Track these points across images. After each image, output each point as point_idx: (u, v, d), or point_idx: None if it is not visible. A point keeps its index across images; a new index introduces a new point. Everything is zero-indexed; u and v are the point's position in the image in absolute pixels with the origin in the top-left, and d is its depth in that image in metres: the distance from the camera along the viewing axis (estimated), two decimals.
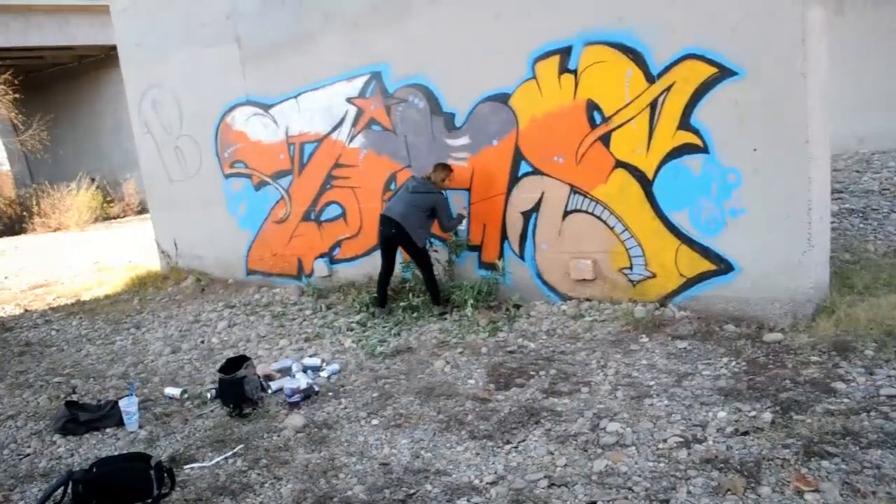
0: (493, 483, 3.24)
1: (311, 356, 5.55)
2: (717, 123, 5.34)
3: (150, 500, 3.38)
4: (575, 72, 5.91)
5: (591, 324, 5.65)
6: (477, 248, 6.84)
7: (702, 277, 5.62)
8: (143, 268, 10.06)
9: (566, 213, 6.21)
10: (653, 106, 5.57)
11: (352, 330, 6.25)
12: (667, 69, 5.45)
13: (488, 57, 6.32)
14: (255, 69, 7.98)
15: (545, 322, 5.86)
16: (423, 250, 6.56)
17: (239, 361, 4.73)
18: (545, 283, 6.47)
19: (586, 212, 6.09)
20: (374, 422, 4.15)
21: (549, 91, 6.07)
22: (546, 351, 5.15)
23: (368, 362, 5.28)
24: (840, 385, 3.83)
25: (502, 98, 6.33)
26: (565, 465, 3.34)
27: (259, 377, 4.77)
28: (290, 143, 7.87)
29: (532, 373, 4.68)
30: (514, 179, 6.44)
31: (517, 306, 6.25)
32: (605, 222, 6.01)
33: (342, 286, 7.60)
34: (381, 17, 6.87)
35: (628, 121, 5.72)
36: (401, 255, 6.87)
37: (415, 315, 6.42)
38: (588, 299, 6.24)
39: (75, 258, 12.53)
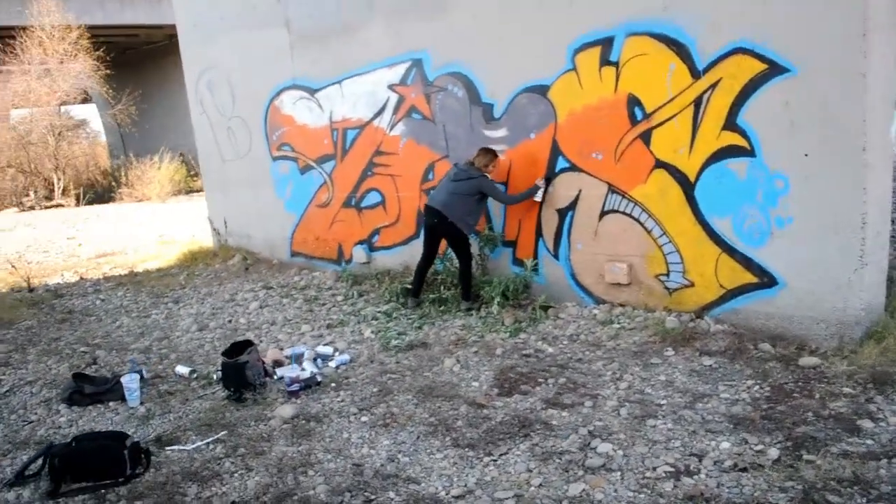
0: (459, 497, 3.09)
1: (325, 344, 5.55)
2: (765, 125, 4.92)
3: (121, 479, 3.43)
4: (616, 64, 5.58)
5: (619, 331, 5.36)
6: (512, 244, 6.63)
7: (743, 290, 5.22)
8: (200, 243, 10.37)
9: (603, 213, 5.91)
10: (697, 103, 5.19)
11: (376, 319, 6.20)
12: (713, 64, 5.06)
13: (528, 47, 6.07)
14: (303, 53, 7.99)
15: (571, 326, 5.61)
16: (466, 240, 6.37)
17: (243, 346, 4.75)
18: (579, 284, 6.20)
19: (623, 213, 5.78)
20: (364, 419, 4.08)
21: (589, 84, 5.77)
22: (563, 357, 4.92)
23: (380, 355, 5.22)
24: (867, 423, 3.44)
25: (541, 90, 6.07)
26: (540, 485, 3.14)
27: (264, 363, 4.79)
28: (333, 128, 7.87)
29: (540, 380, 4.48)
30: (552, 175, 6.18)
31: (545, 307, 6.02)
32: (642, 225, 5.68)
33: (378, 274, 7.57)
34: (424, 4, 6.73)
35: (670, 118, 5.35)
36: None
37: (442, 308, 6.31)
38: (622, 305, 5.93)
39: (145, 230, 13.09)
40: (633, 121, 5.55)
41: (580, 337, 5.36)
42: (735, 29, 4.89)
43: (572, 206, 6.11)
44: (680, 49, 5.21)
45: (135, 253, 10.68)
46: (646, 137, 5.52)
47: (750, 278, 5.17)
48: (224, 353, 4.72)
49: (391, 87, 7.20)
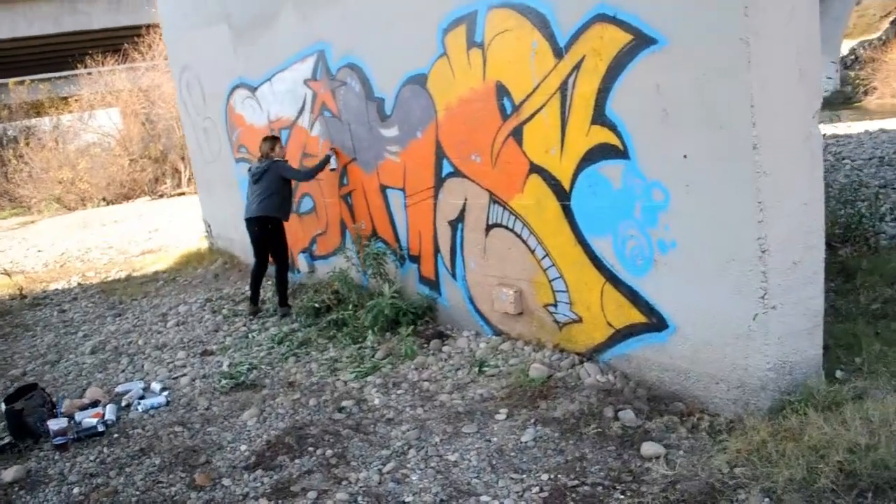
0: None
1: (176, 377, 4.99)
2: (636, 116, 3.67)
3: None
4: (482, 45, 4.47)
5: (480, 377, 4.35)
6: (417, 260, 5.70)
7: (632, 331, 4.02)
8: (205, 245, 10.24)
9: (488, 227, 4.84)
10: (563, 91, 4.00)
11: (259, 345, 5.54)
12: (574, 38, 3.85)
13: (405, 29, 5.07)
14: (242, 49, 7.38)
15: (439, 365, 4.65)
16: (285, 244, 6.55)
17: (28, 390, 4.32)
18: (477, 310, 5.18)
19: (507, 227, 4.69)
20: (75, 490, 3.47)
21: (460, 71, 4.69)
22: (375, 415, 3.99)
23: (201, 397, 4.56)
24: None
25: (420, 80, 5.04)
26: None
27: (53, 407, 4.32)
28: (271, 128, 7.24)
29: (311, 448, 3.60)
30: (440, 181, 5.17)
31: (425, 336, 5.08)
32: (525, 243, 4.57)
33: (317, 285, 6.89)
34: None
35: (538, 111, 4.19)
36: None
37: (332, 333, 5.49)
38: (517, 338, 4.86)
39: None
40: (504, 115, 4.43)
41: (423, 384, 4.37)
42: None
43: (461, 217, 5.07)
44: (540, 21, 4.03)
45: (174, 249, 10.68)
46: (518, 135, 4.39)
47: (638, 317, 3.95)
48: (6, 399, 4.31)
49: (306, 82, 6.44)
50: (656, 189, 3.63)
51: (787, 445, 2.95)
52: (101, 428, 4.13)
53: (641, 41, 3.50)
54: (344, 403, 4.19)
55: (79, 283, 8.99)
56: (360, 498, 3.09)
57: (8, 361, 5.75)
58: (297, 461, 3.54)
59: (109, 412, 4.31)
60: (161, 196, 21.64)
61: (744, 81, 3.12)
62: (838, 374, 3.75)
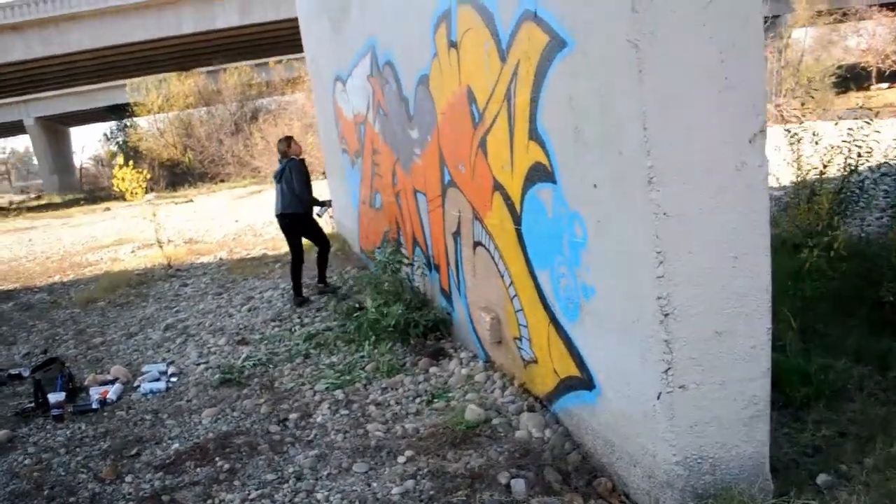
0: None
1: (198, 363, 5.34)
2: (557, 133, 3.08)
3: None
4: (456, 46, 4.04)
5: (425, 408, 4.02)
6: (438, 269, 5.39)
7: (570, 384, 3.43)
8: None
9: (474, 244, 4.41)
10: (508, 99, 3.47)
11: (289, 341, 5.67)
12: (511, 39, 3.32)
13: (412, 26, 4.77)
14: (336, 42, 7.53)
15: (401, 389, 4.36)
16: (316, 228, 7.07)
17: (51, 362, 4.90)
18: (474, 330, 4.77)
19: (485, 246, 4.23)
20: (26, 461, 3.82)
21: (447, 73, 4.30)
22: (304, 433, 3.82)
23: (193, 388, 4.80)
24: None
25: (426, 82, 4.72)
26: None
27: (70, 380, 4.83)
28: (356, 122, 7.31)
29: (217, 459, 3.57)
30: (444, 189, 4.82)
31: (412, 352, 4.81)
32: (496, 265, 4.10)
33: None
34: None
35: (494, 121, 3.70)
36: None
37: (364, 336, 5.37)
38: (498, 368, 4.41)
39: None
40: (474, 123, 3.98)
41: (373, 409, 4.10)
42: None
43: (458, 230, 4.68)
44: (490, 20, 3.53)
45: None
46: (483, 146, 3.92)
47: (573, 369, 3.35)
48: (33, 369, 4.95)
49: (367, 78, 6.39)
50: (577, 222, 3.02)
51: None
52: (94, 406, 4.58)
53: (556, 43, 2.90)
54: (290, 416, 4.15)
55: (220, 259, 10.01)
56: None
57: (99, 330, 6.63)
58: (197, 470, 3.59)
59: (113, 391, 4.76)
60: None
61: (635, 96, 2.44)
62: (821, 479, 2.85)
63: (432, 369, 4.67)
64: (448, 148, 4.55)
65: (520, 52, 3.24)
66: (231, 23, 27.56)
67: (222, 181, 31.33)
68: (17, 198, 49.79)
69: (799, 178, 5.79)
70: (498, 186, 3.81)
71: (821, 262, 4.90)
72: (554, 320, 3.43)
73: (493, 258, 4.12)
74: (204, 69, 34.97)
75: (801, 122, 6.31)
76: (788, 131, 5.85)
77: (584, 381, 3.25)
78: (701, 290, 2.54)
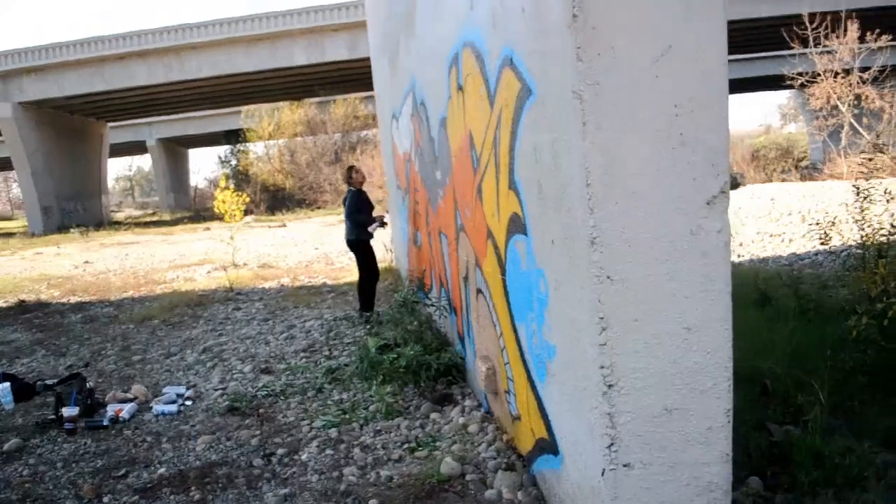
0: None
1: (214, 389, 5.46)
2: (526, 184, 2.96)
3: None
4: (462, 90, 3.99)
5: (405, 457, 3.90)
6: (455, 312, 5.28)
7: (542, 446, 3.24)
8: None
9: (477, 291, 4.29)
10: (495, 146, 3.38)
11: (311, 374, 5.71)
12: (496, 85, 3.24)
13: (432, 69, 4.76)
14: (392, 79, 7.66)
15: (394, 433, 4.26)
16: (366, 255, 7.50)
17: (73, 377, 5.14)
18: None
19: (483, 294, 4.11)
20: (24, 472, 4.00)
21: (457, 116, 4.25)
22: (285, 470, 3.78)
23: (201, 414, 4.88)
24: None
25: (444, 123, 4.69)
26: None
27: (90, 395, 5.03)
28: (405, 159, 7.37)
29: (191, 489, 3.60)
30: (457, 233, 4.74)
31: (417, 395, 4.69)
32: (490, 315, 3.96)
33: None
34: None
35: (486, 168, 3.60)
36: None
37: (372, 375, 5.38)
38: (495, 420, 4.24)
39: None
40: (474, 168, 3.90)
41: (357, 452, 4.00)
42: (504, 30, 3.03)
43: (467, 276, 4.57)
44: (482, 66, 3.47)
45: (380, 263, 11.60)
46: (479, 193, 3.82)
47: (543, 431, 3.17)
48: (57, 383, 5.20)
49: (410, 117, 6.44)
50: (541, 279, 2.87)
51: None
52: (105, 422, 4.76)
53: (525, 91, 2.80)
54: (278, 451, 4.14)
55: (281, 285, 10.32)
56: None
57: (142, 348, 6.94)
58: (171, 497, 3.64)
59: (127, 410, 4.93)
60: None
61: (579, 151, 2.30)
62: None
63: (433, 415, 4.55)
64: (459, 191, 4.48)
65: (501, 100, 3.16)
66: (340, 56, 28.82)
67: (319, 208, 32.60)
68: (136, 213, 53.95)
69: (864, 239, 5.32)
70: (489, 234, 3.70)
71: (870, 330, 4.45)
72: (529, 378, 3.27)
73: (488, 307, 3.99)
74: (314, 99, 36.73)
75: (868, 179, 5.81)
76: (857, 188, 5.42)
77: (551, 446, 3.06)
78: (648, 362, 2.33)
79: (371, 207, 7.57)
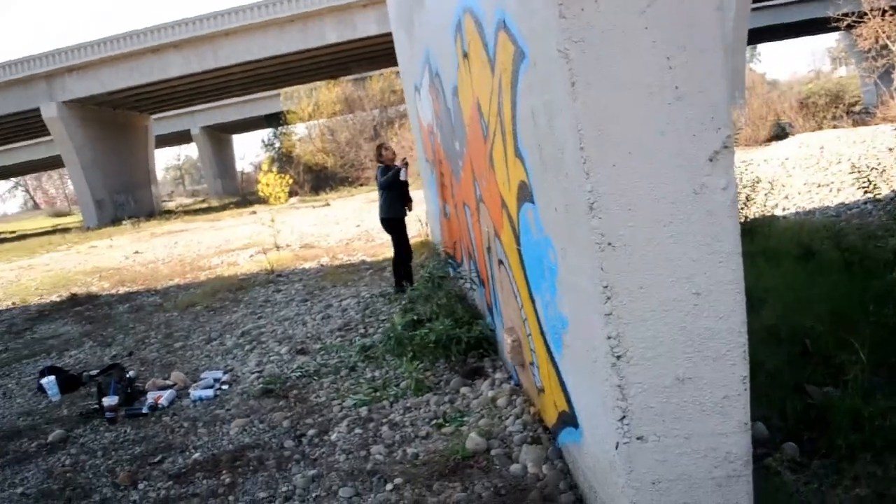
0: None
1: (252, 371, 5.55)
2: (528, 150, 2.85)
3: None
4: (467, 56, 3.86)
5: (432, 433, 3.89)
6: (483, 285, 5.20)
7: (564, 419, 3.17)
8: None
9: (499, 262, 4.21)
10: (499, 113, 3.26)
11: (346, 352, 5.74)
12: (494, 50, 3.11)
13: (442, 37, 4.62)
14: (411, 51, 7.51)
15: (423, 410, 4.25)
16: (398, 233, 7.42)
17: (112, 367, 5.29)
18: None
19: (504, 265, 4.02)
20: (67, 461, 4.19)
21: (465, 84, 4.13)
22: (314, 451, 3.82)
23: (236, 398, 4.96)
24: None
25: (456, 92, 4.57)
26: None
27: (129, 384, 5.16)
28: (429, 131, 7.26)
29: (223, 472, 3.66)
30: (477, 204, 4.64)
31: (448, 369, 4.65)
32: (511, 285, 3.88)
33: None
34: None
35: (494, 135, 3.49)
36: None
37: (424, 351, 5.25)
38: (524, 392, 4.18)
39: None
40: (484, 136, 3.78)
41: (386, 430, 4.01)
42: None
43: (490, 246, 4.48)
44: (481, 31, 3.34)
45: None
46: (491, 161, 3.71)
47: (563, 403, 3.09)
48: (98, 373, 5.36)
49: (429, 88, 6.31)
50: (549, 248, 2.77)
51: None
52: (145, 410, 4.90)
53: (519, 55, 2.68)
54: (309, 432, 4.19)
55: (321, 265, 10.40)
56: None
57: (184, 334, 7.12)
58: (204, 482, 3.72)
59: (166, 397, 5.06)
60: None
61: (570, 112, 2.18)
62: None
63: (463, 389, 4.52)
64: (475, 162, 4.38)
65: (500, 64, 3.04)
66: (370, 32, 28.67)
67: (362, 185, 32.74)
68: (188, 201, 55.32)
69: None
70: (504, 204, 3.60)
71: None
72: (548, 349, 3.19)
73: (509, 277, 3.91)
74: (350, 77, 36.75)
75: None
76: None
77: (572, 418, 2.99)
78: (657, 331, 2.23)
79: (400, 183, 7.49)
